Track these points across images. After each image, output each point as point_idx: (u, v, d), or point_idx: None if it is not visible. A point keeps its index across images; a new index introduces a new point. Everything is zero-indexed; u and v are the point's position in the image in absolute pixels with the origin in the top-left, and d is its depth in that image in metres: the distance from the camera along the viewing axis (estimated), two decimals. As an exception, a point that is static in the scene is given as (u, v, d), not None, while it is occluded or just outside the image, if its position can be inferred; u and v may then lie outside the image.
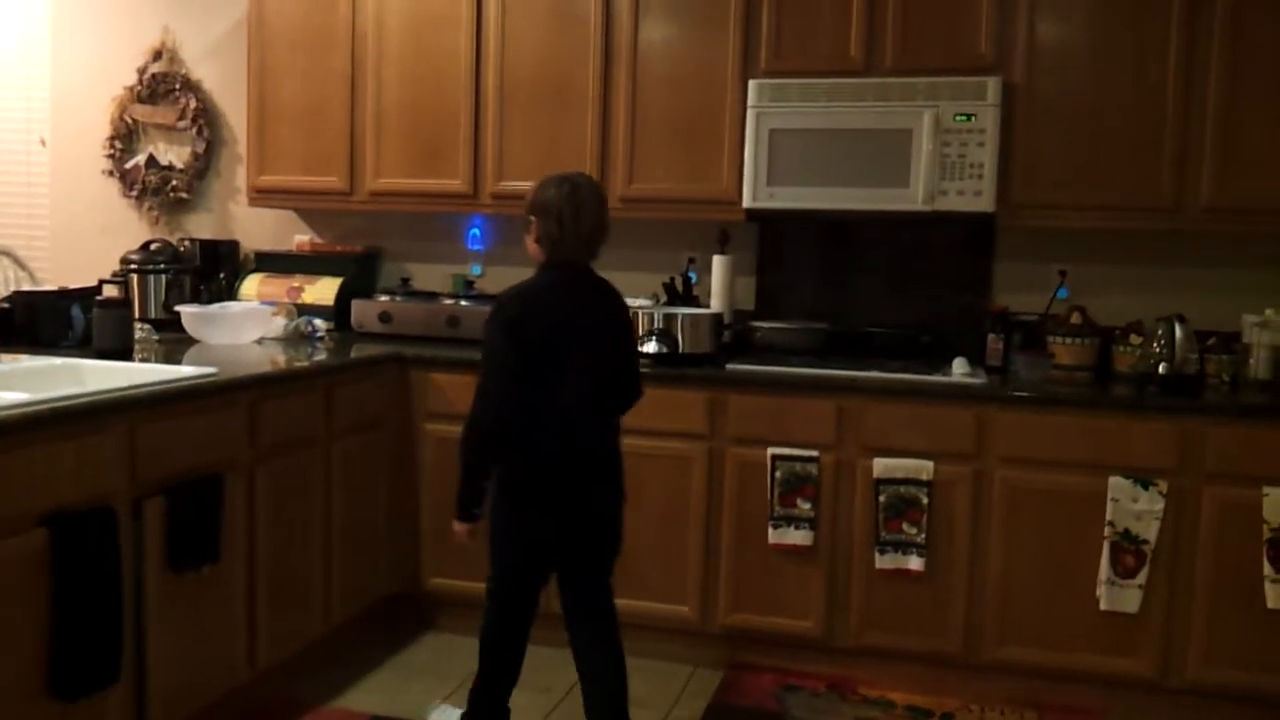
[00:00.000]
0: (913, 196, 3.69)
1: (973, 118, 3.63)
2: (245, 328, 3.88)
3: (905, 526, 3.51)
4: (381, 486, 3.82)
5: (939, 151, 3.65)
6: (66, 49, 4.94)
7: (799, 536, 3.59)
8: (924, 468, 3.48)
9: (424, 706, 3.35)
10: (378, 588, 3.82)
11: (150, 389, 2.71)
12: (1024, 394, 3.47)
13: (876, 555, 3.54)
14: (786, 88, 3.77)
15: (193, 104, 4.77)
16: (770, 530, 3.60)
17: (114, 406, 2.56)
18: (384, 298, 4.33)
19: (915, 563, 3.50)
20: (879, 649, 3.60)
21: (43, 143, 5.00)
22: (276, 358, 3.68)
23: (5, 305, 3.51)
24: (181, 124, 4.79)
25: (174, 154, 4.83)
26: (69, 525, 2.42)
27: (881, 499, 3.52)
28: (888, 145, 3.70)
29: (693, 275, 4.18)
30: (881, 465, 3.51)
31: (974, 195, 3.65)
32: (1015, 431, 3.45)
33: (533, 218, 2.76)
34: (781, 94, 3.77)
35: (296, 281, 4.41)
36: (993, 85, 3.63)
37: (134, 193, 4.86)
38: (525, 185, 4.01)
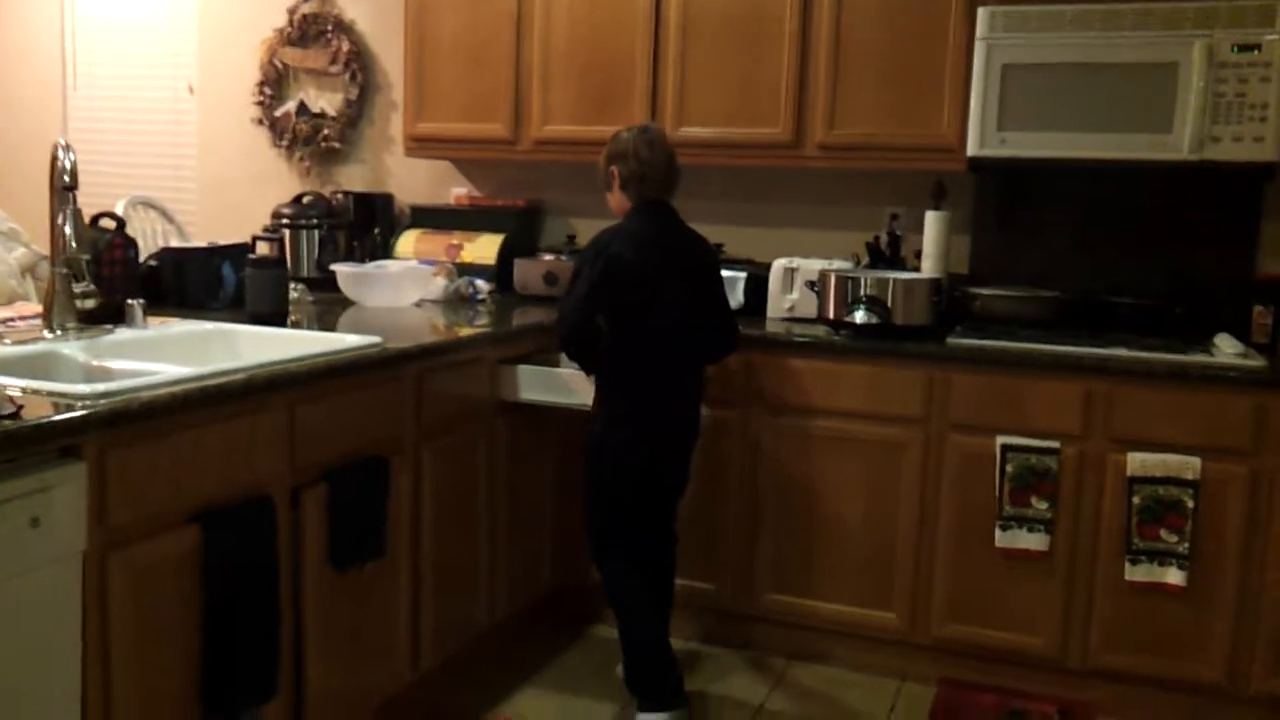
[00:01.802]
0: (1176, 144, 3.11)
1: (1256, 49, 3.03)
2: (404, 289, 3.54)
3: (1164, 533, 2.97)
4: (547, 467, 3.45)
5: (1211, 90, 3.06)
6: (215, -11, 4.68)
7: (1032, 540, 3.09)
8: (1189, 465, 2.94)
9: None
10: (541, 579, 3.47)
11: (311, 362, 2.36)
12: (1317, 380, 2.89)
13: (1127, 565, 3.01)
14: (1023, 15, 3.22)
15: (345, 46, 4.43)
16: (998, 532, 3.11)
17: (271, 383, 2.22)
18: (549, 256, 3.94)
19: (1175, 576, 2.97)
20: (1122, 672, 3.08)
21: (190, 90, 4.75)
22: (438, 322, 3.34)
23: (153, 263, 3.23)
24: (334, 68, 4.46)
25: (325, 100, 4.52)
26: (222, 521, 2.10)
27: (1136, 500, 2.99)
28: (1148, 83, 3.12)
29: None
30: (1137, 461, 2.98)
31: (1254, 142, 3.05)
32: (1305, 425, 2.88)
33: (613, 167, 2.96)
34: (1017, 22, 3.22)
35: (455, 239, 4.05)
36: (1282, 9, 3.03)
37: (284, 142, 4.57)
38: (709, 131, 3.64)
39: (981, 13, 3.25)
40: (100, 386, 1.92)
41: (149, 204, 4.06)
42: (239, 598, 2.14)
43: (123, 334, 2.55)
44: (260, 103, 4.58)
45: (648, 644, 2.95)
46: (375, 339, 2.65)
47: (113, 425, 1.85)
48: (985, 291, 3.45)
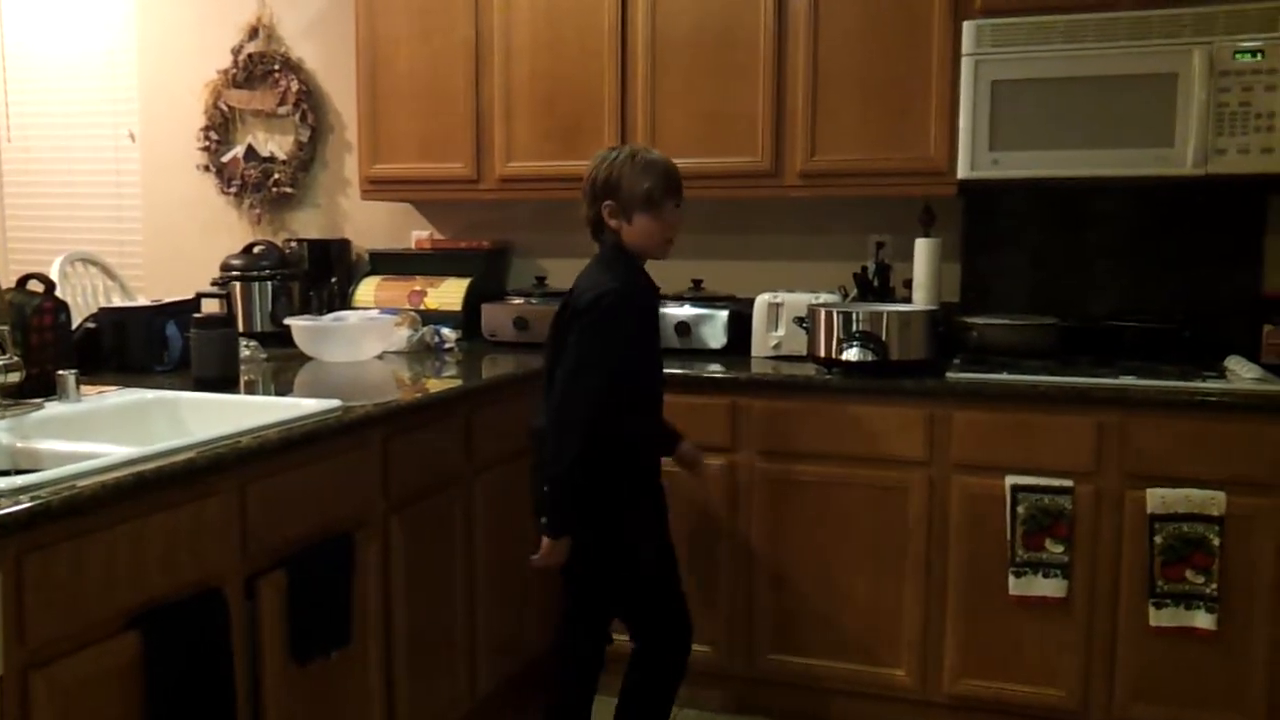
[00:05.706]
0: (1179, 158, 2.95)
1: (1259, 55, 2.88)
2: (365, 341, 3.30)
3: (1190, 574, 2.78)
4: (528, 523, 3.21)
5: (1214, 100, 2.90)
6: (153, 29, 4.44)
7: (1048, 586, 2.89)
8: (1213, 500, 2.76)
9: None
10: (529, 645, 3.22)
11: (263, 434, 2.13)
12: (1344, 404, 2.72)
13: (1151, 610, 2.82)
14: (1012, 29, 3.05)
15: (294, 86, 4.22)
16: (1011, 579, 2.91)
17: (218, 463, 1.98)
18: (518, 300, 3.73)
19: (1203, 619, 2.78)
20: (1150, 723, 2.89)
21: (131, 137, 4.51)
22: (404, 376, 3.10)
23: (91, 325, 2.98)
24: (282, 109, 4.24)
25: (275, 144, 4.29)
26: (166, 623, 1.85)
27: (1157, 540, 2.80)
28: (1146, 95, 2.96)
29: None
30: (1157, 497, 2.79)
31: (1261, 153, 2.89)
32: (1334, 452, 2.70)
33: (609, 202, 2.50)
34: (1006, 37, 3.06)
35: (418, 284, 3.83)
36: (1283, 13, 2.88)
37: (233, 189, 4.33)
38: (683, 162, 3.37)
39: (967, 27, 3.09)
40: (17, 481, 1.67)
41: (89, 260, 3.81)
42: (188, 708, 1.89)
43: (53, 409, 2.30)
44: (206, 148, 4.35)
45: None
46: (334, 402, 2.42)
47: (30, 527, 1.61)
48: (982, 321, 3.27)
